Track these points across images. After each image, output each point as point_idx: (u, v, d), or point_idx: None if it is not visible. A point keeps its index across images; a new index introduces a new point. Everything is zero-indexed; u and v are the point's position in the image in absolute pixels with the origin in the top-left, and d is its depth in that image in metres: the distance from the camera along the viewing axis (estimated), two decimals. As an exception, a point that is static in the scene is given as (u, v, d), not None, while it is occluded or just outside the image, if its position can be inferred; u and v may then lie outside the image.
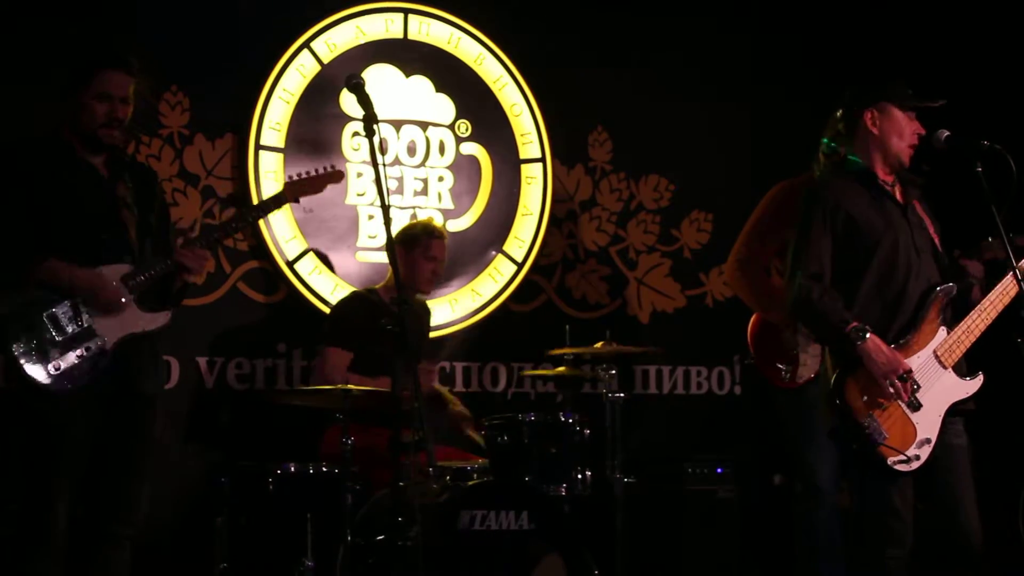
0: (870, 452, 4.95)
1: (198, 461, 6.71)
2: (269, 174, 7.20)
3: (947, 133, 5.31)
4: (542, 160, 7.89)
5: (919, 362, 5.06)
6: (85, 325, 4.96)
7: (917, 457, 4.97)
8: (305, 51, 7.34)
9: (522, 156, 7.86)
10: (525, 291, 7.84)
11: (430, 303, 7.41)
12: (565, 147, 8.01)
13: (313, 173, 5.67)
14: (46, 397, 4.90)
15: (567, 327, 7.11)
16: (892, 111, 5.27)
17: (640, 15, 8.13)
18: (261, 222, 7.10)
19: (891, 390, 4.97)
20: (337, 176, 5.74)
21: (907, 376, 4.96)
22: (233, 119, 7.23)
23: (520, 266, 7.79)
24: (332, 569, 5.72)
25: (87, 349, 4.93)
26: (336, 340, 6.56)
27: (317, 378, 6.65)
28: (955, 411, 5.09)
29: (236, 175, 7.20)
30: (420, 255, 6.70)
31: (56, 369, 4.89)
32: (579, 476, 6.42)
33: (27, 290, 4.94)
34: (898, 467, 4.95)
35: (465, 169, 7.74)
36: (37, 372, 4.88)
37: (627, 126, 8.13)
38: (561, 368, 6.99)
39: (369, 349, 6.32)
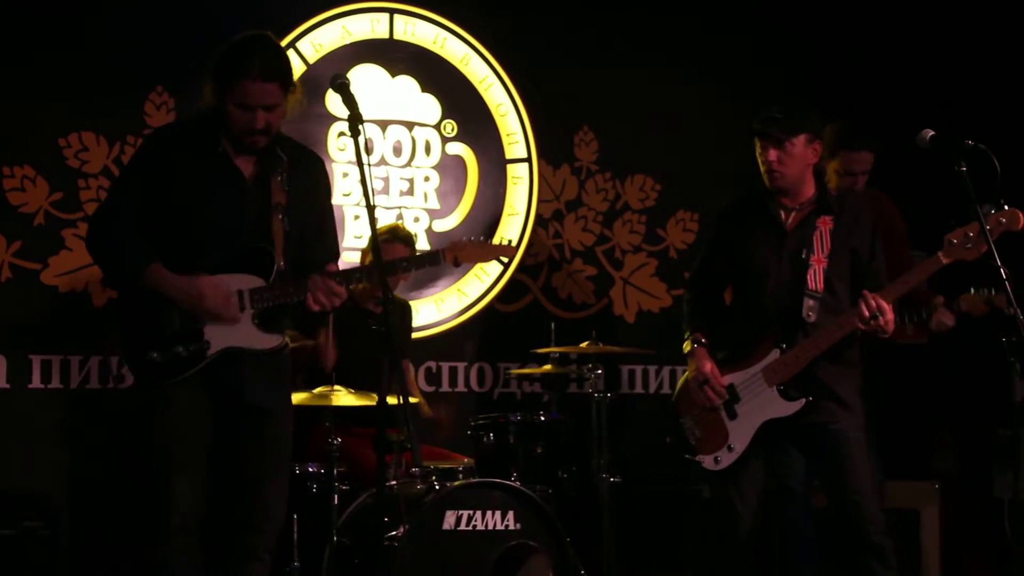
0: (680, 446, 5.69)
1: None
2: (255, 174, 7.19)
3: (931, 133, 5.33)
4: (528, 160, 7.89)
5: (745, 377, 5.55)
6: (196, 326, 4.83)
7: (717, 460, 5.57)
8: (290, 51, 7.33)
9: (508, 156, 7.87)
10: (511, 291, 7.85)
11: (416, 303, 7.42)
12: (551, 147, 8.01)
13: (486, 242, 5.35)
14: (143, 383, 4.86)
15: (553, 327, 7.12)
16: (755, 141, 5.61)
17: (625, 14, 8.13)
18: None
19: (696, 393, 5.60)
20: (510, 251, 5.52)
21: (707, 384, 5.55)
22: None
23: (506, 266, 7.79)
24: (318, 569, 5.73)
25: (187, 349, 4.81)
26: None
27: None
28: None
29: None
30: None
31: (155, 360, 4.80)
32: (565, 476, 6.44)
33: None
34: (704, 465, 5.60)
35: (451, 169, 7.75)
36: (138, 357, 4.83)
37: (613, 126, 8.14)
38: (547, 367, 6.99)
39: (344, 349, 6.30)
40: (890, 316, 5.36)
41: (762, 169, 5.57)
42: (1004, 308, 5.21)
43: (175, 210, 4.87)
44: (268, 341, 4.94)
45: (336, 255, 5.22)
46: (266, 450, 4.97)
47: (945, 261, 5.37)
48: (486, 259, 5.46)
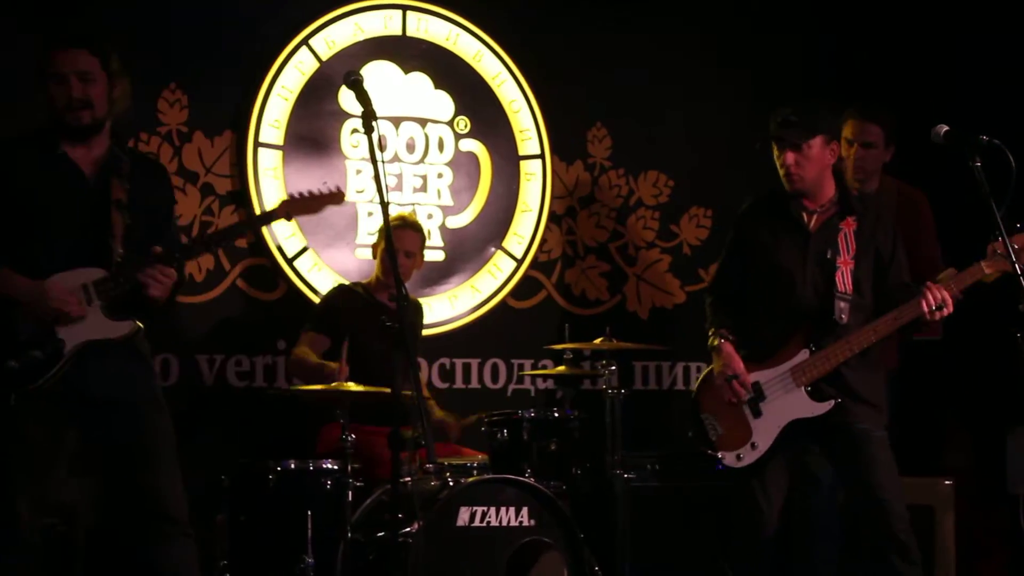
0: (700, 441, 5.67)
1: (198, 459, 6.69)
2: (268, 171, 7.21)
3: (946, 128, 5.33)
4: (541, 156, 7.89)
5: (771, 376, 5.55)
6: (48, 328, 4.81)
7: (740, 457, 5.57)
8: (304, 48, 7.34)
9: (521, 152, 7.86)
10: (524, 287, 7.85)
11: (430, 299, 7.43)
12: (564, 143, 8.00)
13: (315, 192, 5.38)
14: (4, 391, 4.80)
15: (567, 323, 7.11)
16: (772, 145, 5.62)
17: (639, 11, 8.12)
18: (260, 219, 7.12)
19: (720, 388, 5.59)
20: (338, 198, 5.46)
21: (733, 378, 5.53)
22: (232, 117, 7.23)
23: (519, 262, 7.79)
24: (332, 566, 5.72)
25: (43, 351, 4.80)
26: (317, 326, 6.59)
27: (288, 362, 6.82)
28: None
29: (235, 172, 7.20)
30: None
31: (13, 368, 4.76)
32: (579, 472, 6.44)
33: None
34: (725, 462, 5.59)
35: (464, 166, 7.74)
36: None
37: (626, 122, 8.13)
38: (561, 369, 6.99)
39: (359, 344, 6.31)
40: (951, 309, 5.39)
41: (780, 173, 5.58)
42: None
43: (15, 213, 4.88)
44: (120, 329, 4.95)
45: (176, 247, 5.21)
46: (142, 443, 5.00)
47: (987, 271, 5.38)
48: (317, 209, 5.42)
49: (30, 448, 4.85)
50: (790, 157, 5.50)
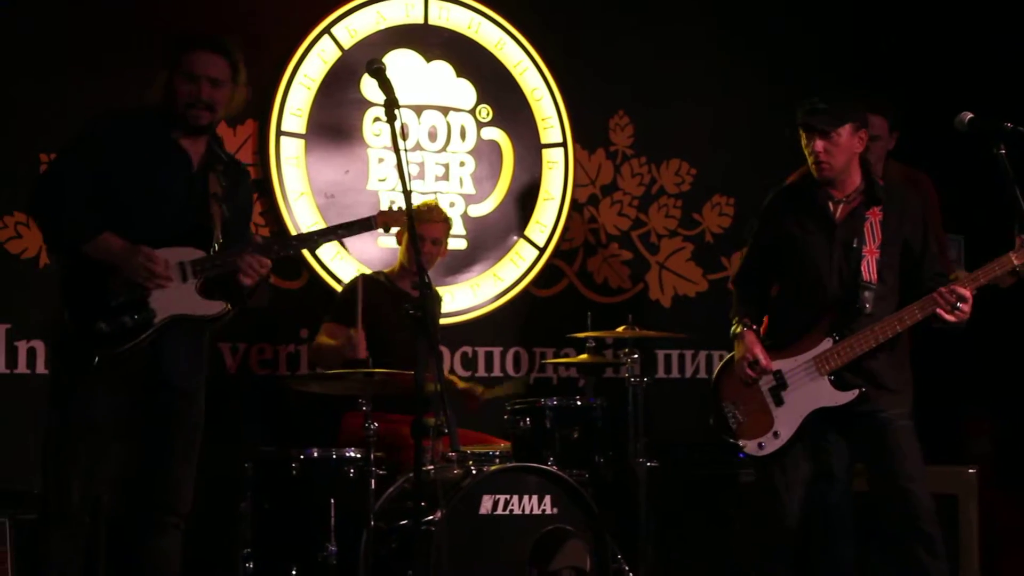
0: (721, 430, 5.67)
1: (221, 446, 6.70)
2: (291, 160, 7.22)
3: (970, 115, 5.33)
4: (563, 145, 7.88)
5: (794, 365, 5.55)
6: (142, 295, 4.93)
7: (761, 446, 5.58)
8: (326, 37, 7.35)
9: (543, 141, 7.86)
10: (547, 276, 7.85)
11: (452, 287, 7.44)
12: (586, 131, 8.00)
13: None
14: (83, 352, 4.88)
15: (589, 312, 7.10)
16: (800, 133, 5.60)
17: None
18: (282, 208, 7.13)
19: (740, 373, 5.59)
20: (438, 213, 6.13)
21: (755, 364, 5.54)
22: (254, 105, 7.20)
23: (542, 251, 7.79)
24: (355, 554, 5.73)
25: (133, 318, 4.91)
26: (337, 316, 6.59)
27: (310, 351, 6.89)
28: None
29: (257, 161, 7.21)
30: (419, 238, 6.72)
31: (102, 330, 4.87)
32: (601, 460, 6.44)
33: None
34: (747, 450, 5.61)
35: (486, 154, 7.74)
36: (88, 325, 4.87)
37: (648, 111, 8.12)
38: (583, 357, 6.99)
39: (382, 333, 6.32)
40: (968, 309, 5.38)
41: (809, 160, 5.56)
42: None
43: (123, 186, 4.99)
44: (212, 308, 5.08)
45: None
46: (181, 433, 5.12)
47: (1016, 263, 5.35)
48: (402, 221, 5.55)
49: (96, 429, 4.94)
50: (819, 144, 5.48)
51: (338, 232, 5.45)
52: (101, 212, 4.94)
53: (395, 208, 5.60)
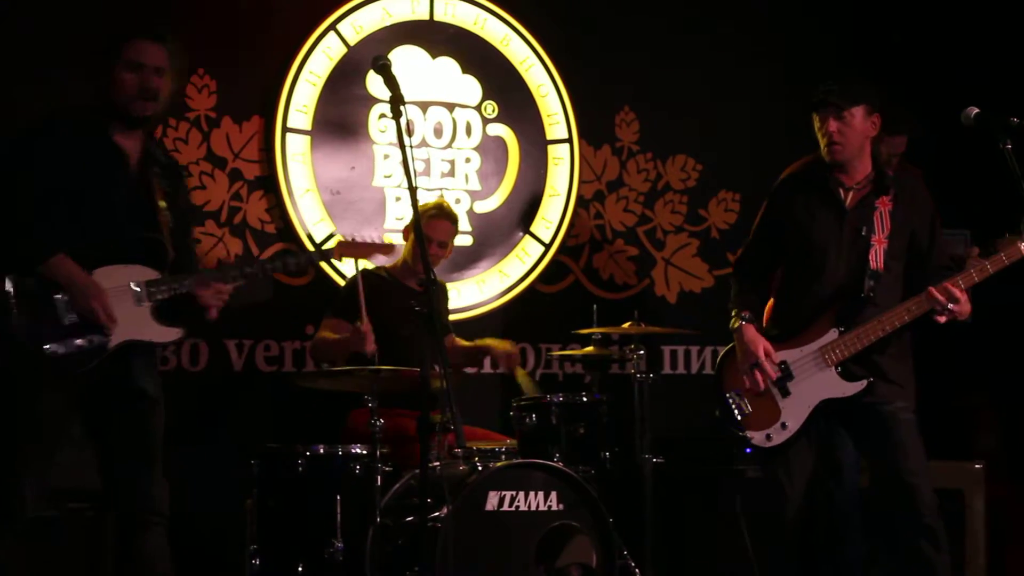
0: (727, 422, 5.61)
1: (227, 443, 6.73)
2: (296, 157, 7.22)
3: (976, 110, 5.34)
4: (569, 141, 7.88)
5: (799, 355, 5.52)
6: (96, 318, 4.84)
7: (769, 437, 5.52)
8: (331, 33, 7.35)
9: (549, 137, 7.86)
10: (553, 272, 7.84)
11: (458, 283, 7.44)
12: (592, 127, 7.99)
13: (368, 240, 5.69)
14: (33, 371, 4.80)
15: (595, 308, 7.10)
16: (813, 116, 5.60)
17: (666, -5, 8.14)
18: (288, 205, 7.13)
19: (743, 375, 5.54)
20: (388, 250, 5.78)
21: (756, 367, 5.49)
22: (260, 102, 7.24)
23: (548, 247, 7.79)
24: (361, 550, 5.74)
25: (90, 341, 4.83)
26: (339, 312, 6.59)
27: (311, 346, 6.86)
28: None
29: (263, 158, 7.21)
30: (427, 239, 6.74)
31: (55, 353, 4.78)
32: (607, 456, 6.44)
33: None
34: (754, 442, 5.55)
35: (492, 150, 7.74)
36: (38, 345, 4.77)
37: (654, 106, 8.11)
38: (589, 349, 6.99)
39: (386, 328, 6.31)
40: (966, 306, 5.37)
41: (822, 142, 5.55)
42: None
43: (66, 194, 4.88)
44: (166, 334, 5.04)
45: (192, 250, 5.37)
46: (150, 437, 5.06)
47: None
48: (367, 255, 5.76)
49: (43, 430, 4.88)
50: (832, 125, 5.48)
51: (298, 259, 5.55)
52: (51, 223, 4.84)
53: (357, 239, 5.67)
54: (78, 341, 4.82)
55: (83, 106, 5.09)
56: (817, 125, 5.56)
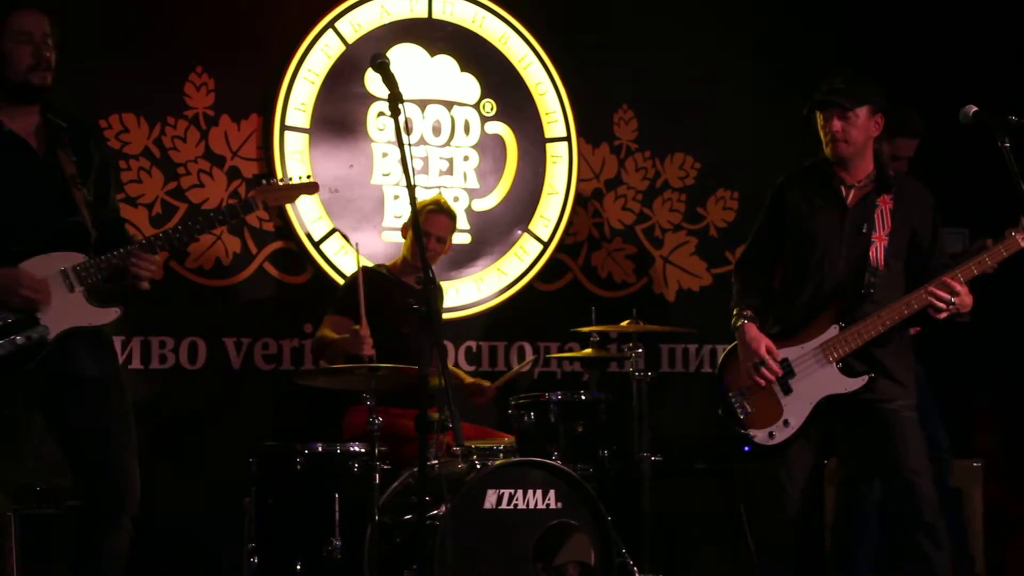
0: (730, 421, 5.61)
1: (225, 441, 6.74)
2: (295, 155, 7.21)
3: (974, 109, 5.34)
4: (567, 139, 7.87)
5: (800, 352, 5.53)
6: (30, 313, 4.78)
7: (772, 435, 5.53)
8: (330, 31, 7.34)
9: (547, 135, 7.85)
10: (551, 270, 7.84)
11: (456, 282, 7.44)
12: (590, 126, 7.99)
13: (287, 182, 5.40)
14: None
15: (593, 306, 7.10)
16: (816, 114, 5.61)
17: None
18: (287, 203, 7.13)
19: (746, 373, 5.54)
20: (310, 188, 5.46)
21: (760, 365, 5.49)
22: (258, 100, 7.24)
23: (546, 245, 7.79)
24: (360, 548, 5.74)
25: (28, 338, 4.76)
26: (340, 309, 6.59)
27: (312, 343, 6.87)
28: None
29: (262, 156, 7.21)
30: (425, 236, 6.75)
31: None
32: (606, 455, 6.44)
33: None
34: (757, 440, 5.56)
35: (490, 148, 7.74)
36: None
37: (652, 104, 8.11)
38: (588, 351, 6.99)
39: (386, 325, 6.31)
40: (967, 299, 5.38)
41: (824, 140, 5.56)
42: None
43: None
44: (105, 316, 4.96)
45: (117, 212, 5.25)
46: (114, 421, 4.96)
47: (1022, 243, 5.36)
48: (291, 198, 5.50)
49: (4, 433, 4.82)
50: (837, 124, 5.49)
51: (219, 218, 5.18)
52: None
53: (271, 183, 5.36)
54: (18, 339, 4.76)
55: None
56: (820, 123, 5.57)
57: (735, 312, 5.69)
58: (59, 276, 4.84)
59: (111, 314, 4.97)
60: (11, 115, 4.92)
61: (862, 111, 5.50)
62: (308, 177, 5.50)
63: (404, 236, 6.86)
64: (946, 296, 5.33)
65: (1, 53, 4.86)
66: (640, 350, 6.83)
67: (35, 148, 4.93)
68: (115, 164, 5.30)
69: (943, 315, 5.38)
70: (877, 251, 5.49)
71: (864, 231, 5.51)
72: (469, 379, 6.91)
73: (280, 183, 5.38)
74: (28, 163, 4.90)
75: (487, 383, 6.87)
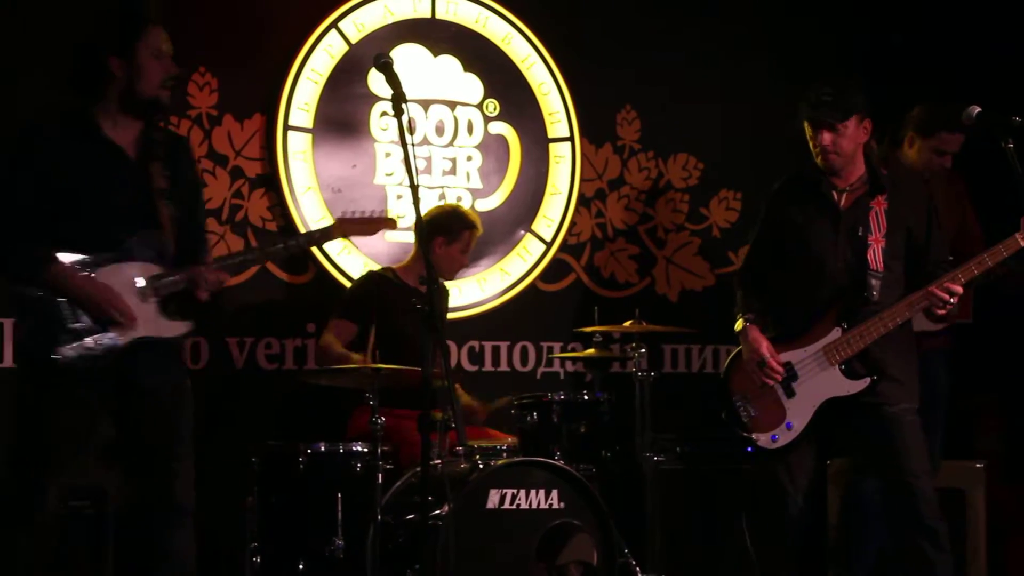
0: (734, 424, 5.66)
1: (228, 441, 6.73)
2: (298, 155, 7.21)
3: (978, 109, 5.35)
4: (570, 139, 7.87)
5: (803, 356, 5.55)
6: (103, 319, 4.83)
7: (774, 439, 5.57)
8: (333, 31, 7.34)
9: (550, 135, 7.85)
10: (554, 270, 7.84)
11: (459, 282, 7.44)
12: (593, 126, 7.99)
13: (368, 214, 5.51)
14: (49, 377, 4.80)
15: (596, 306, 7.10)
16: (805, 124, 5.61)
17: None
18: (290, 203, 7.13)
19: (751, 375, 5.59)
20: (391, 224, 5.62)
21: (763, 365, 5.53)
22: (262, 100, 7.24)
23: (549, 245, 7.79)
24: (362, 548, 5.74)
25: (97, 342, 4.81)
26: (345, 313, 6.60)
27: (316, 348, 6.84)
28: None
29: (265, 156, 7.21)
30: (459, 250, 6.79)
31: (65, 358, 4.77)
32: (608, 455, 6.44)
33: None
34: (760, 443, 5.59)
35: (493, 148, 7.74)
36: (48, 352, 4.77)
37: (656, 105, 8.11)
38: (590, 351, 6.98)
39: (391, 329, 6.31)
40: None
41: (815, 152, 5.58)
42: None
43: (64, 198, 4.84)
44: (176, 328, 5.02)
45: (203, 230, 5.34)
46: (171, 431, 5.01)
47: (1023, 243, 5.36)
48: (371, 231, 5.53)
49: (66, 435, 4.86)
50: (827, 137, 5.51)
51: (298, 240, 5.43)
52: (49, 229, 4.82)
53: (357, 215, 5.50)
54: (87, 342, 4.81)
55: (70, 112, 5.02)
56: (809, 134, 5.59)
57: (738, 316, 5.74)
58: (134, 286, 4.90)
59: (181, 327, 5.03)
60: (114, 123, 4.98)
61: (851, 122, 5.52)
62: (387, 214, 5.56)
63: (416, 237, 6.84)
64: (947, 297, 5.34)
65: (137, 66, 4.92)
66: (643, 350, 6.83)
67: (130, 158, 4.99)
68: (202, 182, 5.38)
69: (943, 312, 5.38)
70: (875, 254, 5.49)
71: (860, 234, 5.53)
72: (466, 397, 6.90)
73: (362, 215, 5.47)
74: (120, 172, 4.96)
75: (480, 406, 6.86)
